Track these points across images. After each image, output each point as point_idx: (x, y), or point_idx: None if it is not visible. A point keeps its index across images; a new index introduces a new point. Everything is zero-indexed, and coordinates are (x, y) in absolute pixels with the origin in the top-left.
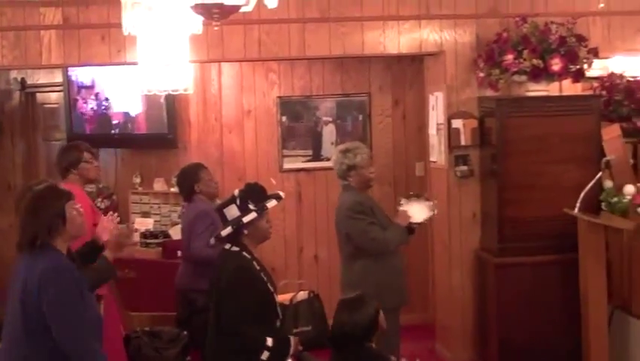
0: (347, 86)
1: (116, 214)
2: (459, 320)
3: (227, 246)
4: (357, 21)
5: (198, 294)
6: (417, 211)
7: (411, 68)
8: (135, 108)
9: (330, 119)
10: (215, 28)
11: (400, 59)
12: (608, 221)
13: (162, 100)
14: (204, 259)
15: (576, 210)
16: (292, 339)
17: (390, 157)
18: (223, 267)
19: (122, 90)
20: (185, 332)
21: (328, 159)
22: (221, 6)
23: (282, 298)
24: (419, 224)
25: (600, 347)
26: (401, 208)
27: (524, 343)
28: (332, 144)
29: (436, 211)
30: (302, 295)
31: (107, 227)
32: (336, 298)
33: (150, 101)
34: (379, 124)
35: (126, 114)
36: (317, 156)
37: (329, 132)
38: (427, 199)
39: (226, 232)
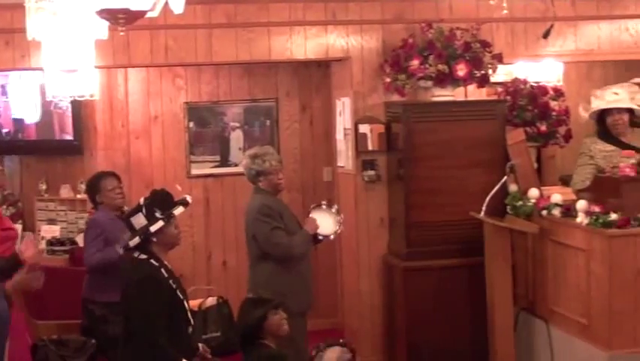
0: (254, 91)
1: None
2: (367, 324)
3: (136, 254)
4: (263, 26)
5: (95, 305)
6: (325, 223)
7: (318, 73)
8: (34, 114)
9: (238, 124)
10: (121, 33)
11: (306, 64)
12: (513, 224)
13: (66, 106)
14: (95, 266)
15: (482, 213)
16: (200, 347)
17: (297, 162)
18: (130, 277)
19: (22, 95)
20: (93, 341)
21: (236, 165)
22: (126, 11)
23: (191, 304)
24: (325, 237)
25: (506, 348)
26: (310, 216)
27: (432, 345)
28: (240, 149)
29: (341, 228)
30: (211, 301)
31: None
32: None
33: (47, 107)
34: (287, 130)
35: (20, 121)
36: (225, 162)
37: (236, 138)
38: (338, 213)
39: (134, 241)
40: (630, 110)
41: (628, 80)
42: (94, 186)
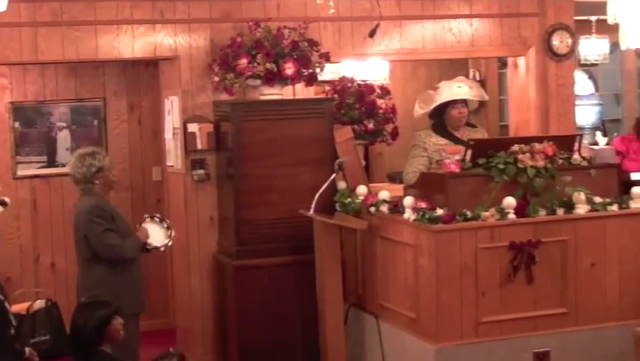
0: (81, 91)
1: None
2: (199, 324)
3: None
4: (90, 25)
5: None
6: (156, 234)
7: (146, 72)
8: None
9: (65, 124)
10: None
11: (134, 63)
12: (342, 221)
13: None
14: None
15: (311, 211)
16: (27, 351)
17: (126, 162)
18: None
19: None
20: None
21: (64, 165)
22: None
23: (19, 307)
24: (154, 248)
25: (337, 343)
26: (143, 225)
27: (264, 343)
28: (67, 149)
29: (170, 243)
30: (39, 303)
31: None
32: (75, 305)
33: None
34: (115, 129)
35: None
36: (52, 163)
37: (64, 138)
38: (169, 227)
39: None
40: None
41: (452, 78)
42: None
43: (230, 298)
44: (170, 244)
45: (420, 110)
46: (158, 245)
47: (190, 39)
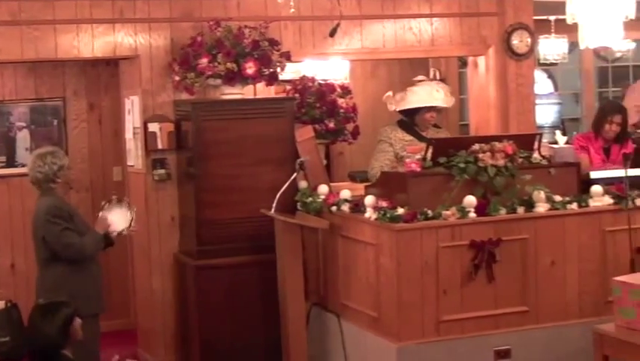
0: (41, 90)
1: None
2: (160, 324)
3: None
4: (49, 24)
5: None
6: (117, 219)
7: (106, 72)
8: None
9: (24, 124)
10: None
11: (94, 63)
12: (304, 221)
13: None
14: None
15: (272, 210)
16: None
17: (86, 162)
18: None
19: None
20: None
21: (24, 165)
22: None
23: None
24: (119, 234)
25: (299, 343)
26: (101, 213)
27: (226, 343)
28: (27, 149)
29: (134, 225)
30: None
31: None
32: None
33: None
34: (75, 129)
35: None
36: (11, 163)
37: (23, 138)
38: (129, 208)
39: None
40: None
41: (412, 77)
42: None
43: (192, 298)
44: (133, 226)
45: (395, 106)
46: (120, 230)
47: (150, 38)
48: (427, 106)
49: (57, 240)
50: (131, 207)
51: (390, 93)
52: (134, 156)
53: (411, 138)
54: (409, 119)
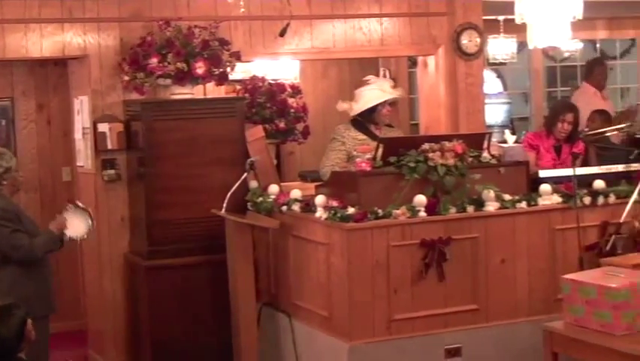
0: None
1: None
2: (111, 325)
3: None
4: None
5: None
6: (75, 225)
7: (55, 72)
8: None
9: None
10: None
11: (43, 62)
12: (254, 220)
13: None
14: None
15: (223, 210)
16: None
17: (35, 162)
18: None
19: None
20: None
21: None
22: None
23: None
24: (71, 238)
25: (250, 343)
26: (63, 215)
27: (178, 343)
28: None
29: (90, 232)
30: None
31: None
32: None
33: None
34: (23, 129)
35: None
36: None
37: None
38: (91, 219)
39: None
40: None
41: (362, 77)
42: None
43: (143, 298)
44: (86, 235)
45: (357, 107)
46: (76, 236)
47: (99, 38)
48: (383, 101)
49: (7, 242)
50: (93, 219)
51: (345, 104)
52: (84, 157)
53: (364, 137)
54: (365, 119)
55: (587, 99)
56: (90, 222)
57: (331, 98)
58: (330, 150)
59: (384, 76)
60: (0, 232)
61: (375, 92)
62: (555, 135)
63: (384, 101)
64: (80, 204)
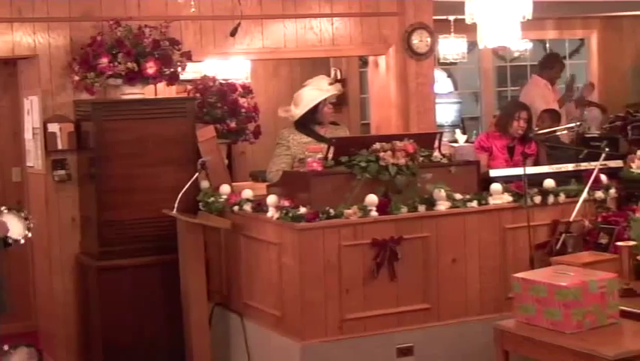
0: None
1: None
2: (62, 326)
3: None
4: None
5: None
6: (15, 226)
7: (4, 71)
8: None
9: None
10: None
11: None
12: (206, 221)
13: None
14: None
15: (174, 210)
16: None
17: None
18: None
19: None
20: None
21: None
22: None
23: None
24: (16, 241)
25: (202, 344)
26: (1, 218)
27: (129, 344)
28: None
29: (29, 233)
30: None
31: None
32: None
33: None
34: None
35: None
36: None
37: None
38: (26, 218)
39: None
40: None
41: (313, 77)
42: None
43: (94, 299)
44: (29, 235)
45: (298, 110)
46: (17, 238)
47: (49, 38)
48: (323, 100)
49: None
50: (30, 218)
51: (283, 112)
52: (34, 157)
53: (309, 139)
54: (308, 120)
55: (539, 91)
56: (27, 222)
57: (282, 98)
58: (276, 155)
59: (335, 76)
60: None
61: (313, 92)
62: (511, 134)
63: (324, 100)
64: (13, 208)
